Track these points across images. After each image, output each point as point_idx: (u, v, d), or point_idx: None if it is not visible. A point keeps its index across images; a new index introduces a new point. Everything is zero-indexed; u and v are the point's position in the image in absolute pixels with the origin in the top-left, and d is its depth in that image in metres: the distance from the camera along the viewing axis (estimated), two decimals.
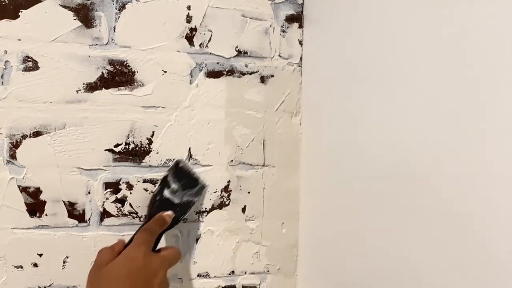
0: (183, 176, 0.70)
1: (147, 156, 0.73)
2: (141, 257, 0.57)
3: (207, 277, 0.77)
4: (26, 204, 0.68)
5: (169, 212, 0.66)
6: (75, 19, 0.69)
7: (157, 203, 0.67)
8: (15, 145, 0.67)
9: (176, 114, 0.74)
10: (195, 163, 0.75)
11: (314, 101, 0.77)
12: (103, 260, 0.58)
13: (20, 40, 0.67)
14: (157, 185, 0.70)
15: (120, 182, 0.72)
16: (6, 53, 0.66)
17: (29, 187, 0.68)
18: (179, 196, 0.68)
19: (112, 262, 0.57)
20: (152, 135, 0.73)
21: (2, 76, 0.67)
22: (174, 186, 0.68)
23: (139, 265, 0.57)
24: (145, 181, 0.73)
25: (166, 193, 0.67)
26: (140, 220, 0.73)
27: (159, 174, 0.73)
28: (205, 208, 0.76)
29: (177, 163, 0.70)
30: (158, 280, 0.57)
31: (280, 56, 0.79)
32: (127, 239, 0.72)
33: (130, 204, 0.72)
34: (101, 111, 0.70)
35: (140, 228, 0.64)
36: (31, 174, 0.68)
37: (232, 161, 0.77)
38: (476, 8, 0.46)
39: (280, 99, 0.79)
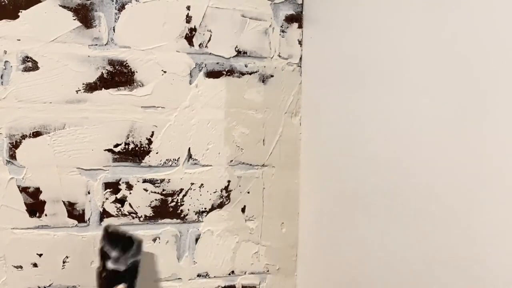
0: (117, 239, 0.66)
1: (147, 156, 0.73)
2: None
3: (207, 277, 0.76)
4: (25, 204, 0.68)
5: (121, 286, 0.63)
6: (74, 19, 0.69)
7: (106, 280, 0.64)
8: (15, 145, 0.67)
9: (176, 114, 0.74)
10: (195, 163, 0.75)
11: (313, 101, 0.77)
12: None
13: (19, 40, 0.67)
14: (98, 259, 0.66)
15: (120, 182, 0.72)
16: (5, 53, 0.66)
17: (29, 187, 0.68)
18: (123, 262, 0.65)
19: None
20: (152, 135, 0.73)
21: (2, 76, 0.67)
22: (114, 254, 0.65)
23: None
24: (144, 181, 0.73)
25: (110, 264, 0.64)
26: (139, 220, 0.73)
27: (158, 174, 0.73)
28: (205, 208, 0.76)
29: (106, 229, 0.67)
30: None
31: (279, 56, 0.79)
32: None
33: (130, 204, 0.72)
34: (101, 111, 0.70)
35: None
36: (31, 174, 0.68)
37: (232, 161, 0.77)
38: (476, 8, 0.46)
39: (279, 99, 0.79)
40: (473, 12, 0.46)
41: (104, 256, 0.65)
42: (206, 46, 0.75)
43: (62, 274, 0.70)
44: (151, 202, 0.73)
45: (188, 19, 0.74)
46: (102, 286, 0.65)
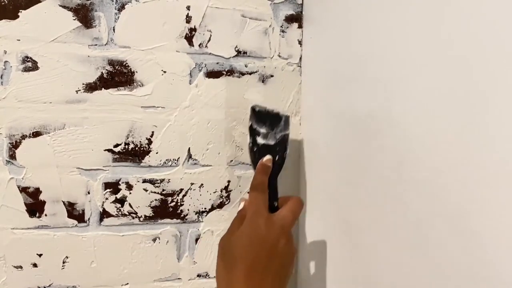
0: (264, 117, 0.70)
1: (147, 156, 0.73)
2: (263, 227, 0.58)
3: (207, 277, 0.77)
4: (25, 204, 0.68)
5: (267, 157, 0.67)
6: (74, 19, 0.69)
7: (257, 153, 0.68)
8: (15, 145, 0.67)
9: (176, 114, 0.74)
10: (195, 163, 0.75)
11: (313, 101, 0.77)
12: (232, 228, 0.60)
13: (19, 40, 0.67)
14: (247, 136, 0.69)
15: (120, 182, 0.72)
16: (5, 53, 0.67)
17: (29, 187, 0.68)
18: (272, 137, 0.69)
19: (238, 231, 0.59)
20: (152, 135, 0.73)
21: (1, 76, 0.67)
22: (263, 130, 0.69)
23: (261, 234, 0.58)
24: (144, 181, 0.73)
25: (260, 140, 0.68)
26: (139, 220, 0.73)
27: (158, 174, 0.73)
28: (205, 208, 0.76)
29: (253, 109, 0.70)
30: (280, 247, 0.58)
31: (279, 56, 0.79)
32: (127, 240, 0.72)
33: (130, 204, 0.72)
34: (101, 111, 0.71)
35: (250, 185, 0.64)
36: (31, 174, 0.68)
37: (232, 161, 0.77)
38: (475, 8, 0.46)
39: (279, 99, 0.79)
40: (473, 12, 0.46)
41: (253, 133, 0.69)
42: (206, 46, 0.75)
43: (62, 274, 0.70)
44: (151, 202, 0.73)
45: (188, 19, 0.74)
46: (253, 158, 0.68)
